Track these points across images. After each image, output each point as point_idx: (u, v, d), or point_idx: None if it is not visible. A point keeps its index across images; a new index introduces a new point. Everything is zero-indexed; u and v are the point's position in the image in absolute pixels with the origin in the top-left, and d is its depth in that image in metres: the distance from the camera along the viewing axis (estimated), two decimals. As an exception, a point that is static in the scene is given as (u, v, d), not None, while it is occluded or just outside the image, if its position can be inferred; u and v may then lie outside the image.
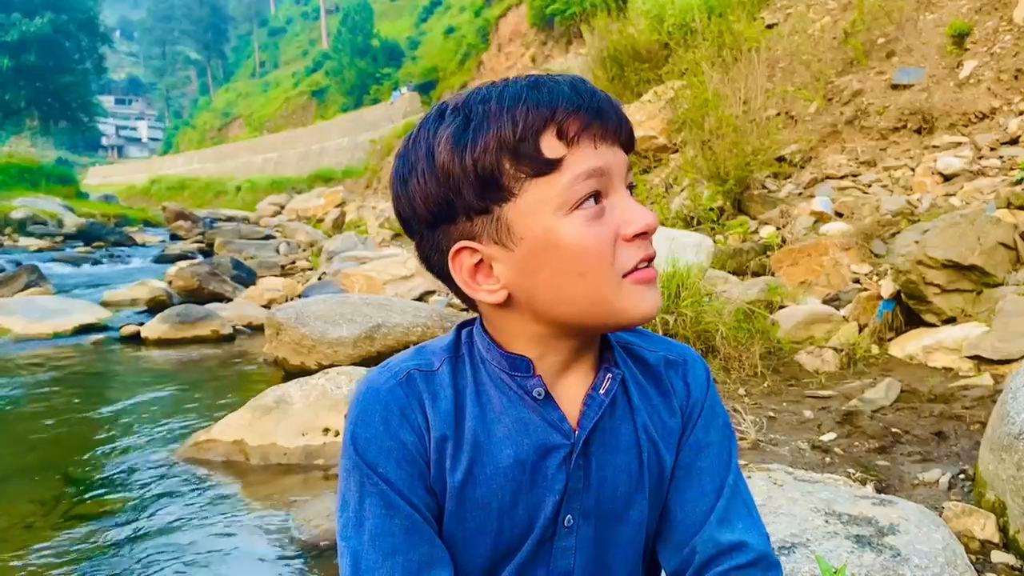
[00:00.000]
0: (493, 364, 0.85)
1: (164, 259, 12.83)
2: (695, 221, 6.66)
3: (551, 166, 0.75)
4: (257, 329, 6.23)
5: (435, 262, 0.83)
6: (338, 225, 16.18)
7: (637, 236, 0.77)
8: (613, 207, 0.78)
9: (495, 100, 0.76)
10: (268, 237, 15.66)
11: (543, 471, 0.83)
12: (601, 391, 0.86)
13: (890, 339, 3.98)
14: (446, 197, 0.77)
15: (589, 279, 0.77)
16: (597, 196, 0.77)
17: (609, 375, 0.86)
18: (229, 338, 6.10)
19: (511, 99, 0.76)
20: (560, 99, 0.75)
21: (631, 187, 0.81)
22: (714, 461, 0.90)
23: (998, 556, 1.89)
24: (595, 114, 0.76)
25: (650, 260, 0.79)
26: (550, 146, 0.75)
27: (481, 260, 0.80)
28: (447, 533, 0.84)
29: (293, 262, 11.19)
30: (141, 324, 6.22)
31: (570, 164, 0.75)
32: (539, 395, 0.84)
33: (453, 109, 0.78)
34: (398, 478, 0.82)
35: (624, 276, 0.78)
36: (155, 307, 7.24)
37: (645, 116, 9.18)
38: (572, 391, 0.86)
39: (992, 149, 6.14)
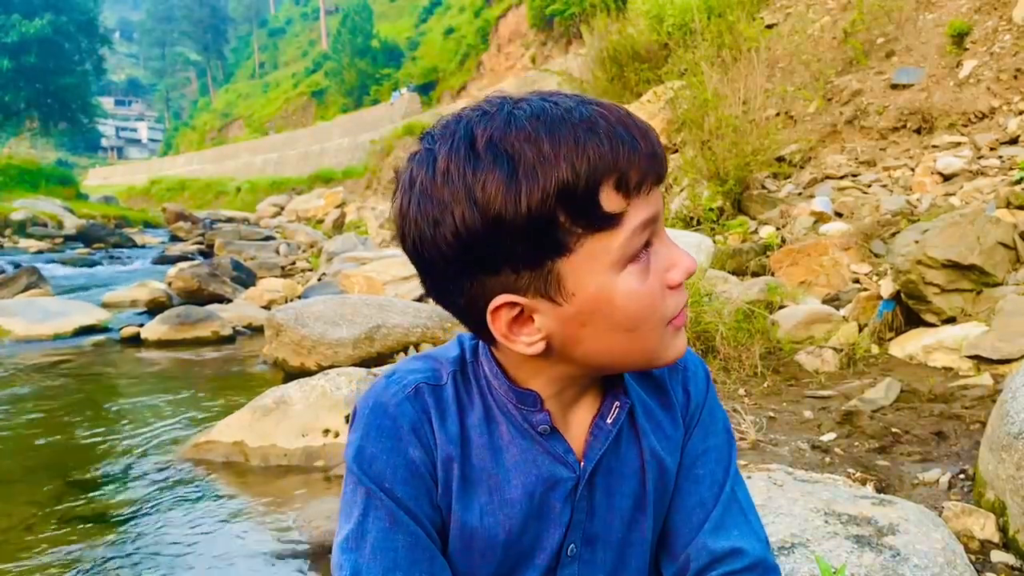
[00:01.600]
0: (500, 392, 0.82)
1: (164, 260, 12.83)
2: (695, 221, 6.66)
3: (610, 221, 0.69)
4: (257, 330, 6.23)
5: (461, 307, 0.77)
6: (338, 226, 16.19)
7: (678, 283, 0.76)
8: (657, 253, 0.74)
9: (547, 142, 0.68)
10: (268, 238, 15.66)
11: (549, 504, 0.82)
12: (608, 420, 0.84)
13: (890, 339, 3.98)
14: (492, 247, 0.69)
15: (640, 334, 0.75)
16: (647, 244, 0.73)
17: (617, 403, 0.84)
18: (229, 339, 6.10)
19: (565, 141, 0.68)
20: (621, 145, 0.68)
21: None
22: (712, 468, 0.89)
23: (998, 556, 1.89)
24: (651, 159, 0.71)
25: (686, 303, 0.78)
26: (610, 199, 0.69)
27: (522, 311, 0.74)
28: (450, 557, 0.83)
29: (293, 263, 11.20)
30: (141, 325, 6.22)
31: (630, 218, 0.70)
32: (544, 431, 0.82)
33: (489, 144, 0.69)
34: (405, 494, 0.80)
35: (668, 323, 0.76)
36: (155, 308, 7.24)
37: (644, 116, 9.17)
38: (578, 419, 0.84)
39: (992, 149, 6.14)
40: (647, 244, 0.73)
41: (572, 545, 0.83)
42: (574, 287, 0.72)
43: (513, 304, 0.73)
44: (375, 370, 3.78)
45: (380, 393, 0.83)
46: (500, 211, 0.67)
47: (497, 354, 0.83)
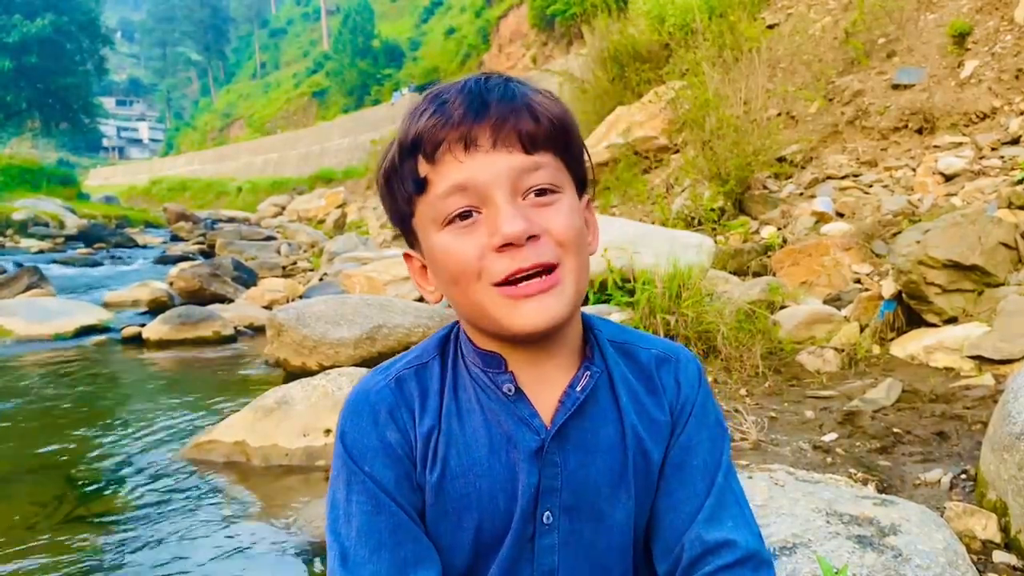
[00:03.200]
0: (470, 360, 0.87)
1: (165, 260, 12.85)
2: (696, 221, 6.67)
3: (421, 186, 0.78)
4: (258, 330, 6.23)
5: None
6: (339, 226, 16.20)
7: (507, 246, 0.76)
8: (486, 218, 0.77)
9: (412, 111, 0.80)
10: (269, 238, 15.68)
11: (515, 464, 0.84)
12: (578, 388, 0.86)
13: (891, 339, 3.98)
14: (387, 203, 0.86)
15: (461, 289, 0.80)
16: (470, 212, 0.77)
17: (587, 372, 0.87)
18: (230, 339, 6.10)
19: (416, 111, 0.80)
20: (435, 116, 0.76)
21: (544, 191, 0.78)
22: (705, 459, 0.90)
23: (1000, 556, 1.89)
24: (457, 125, 0.75)
25: (528, 270, 0.76)
26: (422, 164, 0.78)
27: (424, 264, 0.86)
28: (430, 529, 0.85)
29: (294, 263, 11.21)
30: (142, 325, 6.23)
31: (434, 183, 0.77)
32: (509, 391, 0.85)
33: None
34: (384, 477, 0.83)
35: (496, 286, 0.77)
36: (156, 308, 7.25)
37: (646, 116, 9.18)
38: (549, 388, 0.86)
39: (993, 149, 6.13)
40: (468, 211, 0.77)
41: (547, 512, 0.84)
42: (423, 243, 0.83)
43: (410, 256, 0.88)
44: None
45: (366, 382, 0.90)
46: (385, 169, 0.83)
47: (465, 324, 0.89)
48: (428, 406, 0.86)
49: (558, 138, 0.80)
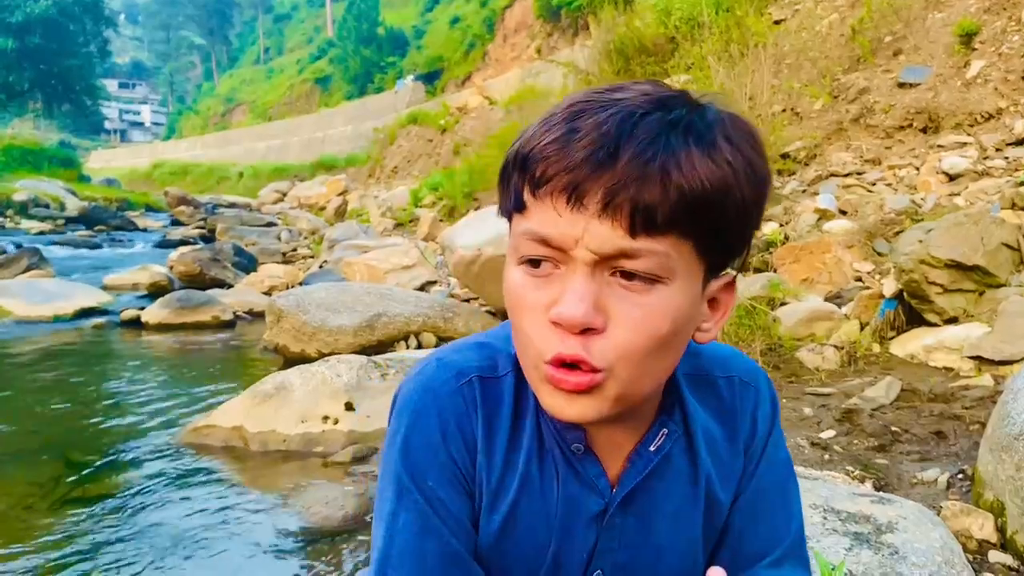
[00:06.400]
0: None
1: (166, 244, 12.84)
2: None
3: (519, 207, 0.66)
4: (258, 316, 6.23)
5: None
6: (340, 213, 16.16)
7: (555, 323, 0.64)
8: (560, 279, 0.65)
9: (546, 112, 0.68)
10: (270, 224, 15.64)
11: (573, 527, 0.76)
12: (652, 447, 0.76)
13: (891, 338, 3.98)
14: (500, 197, 0.72)
15: (520, 335, 0.69)
16: (538, 263, 0.66)
17: (664, 430, 0.77)
18: (230, 324, 6.11)
19: (543, 118, 0.67)
20: (551, 135, 0.64)
21: (632, 274, 0.63)
22: (774, 506, 0.83)
23: (996, 556, 1.89)
24: (571, 170, 0.62)
25: (568, 360, 0.64)
26: (525, 188, 0.66)
27: None
28: (483, 565, 0.77)
29: (295, 249, 11.20)
30: (142, 309, 6.23)
31: (528, 215, 0.65)
32: (578, 450, 0.75)
33: None
34: (445, 496, 0.74)
35: (544, 362, 0.66)
36: (156, 292, 7.25)
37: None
38: (619, 442, 0.77)
39: (998, 149, 6.12)
40: (539, 262, 0.66)
41: (599, 572, 0.78)
42: (508, 255, 0.71)
43: None
44: (377, 358, 3.78)
45: (431, 378, 0.77)
46: (506, 159, 0.69)
47: None
48: (496, 432, 0.75)
49: (690, 218, 0.62)
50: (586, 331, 0.64)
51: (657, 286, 0.64)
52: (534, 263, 0.66)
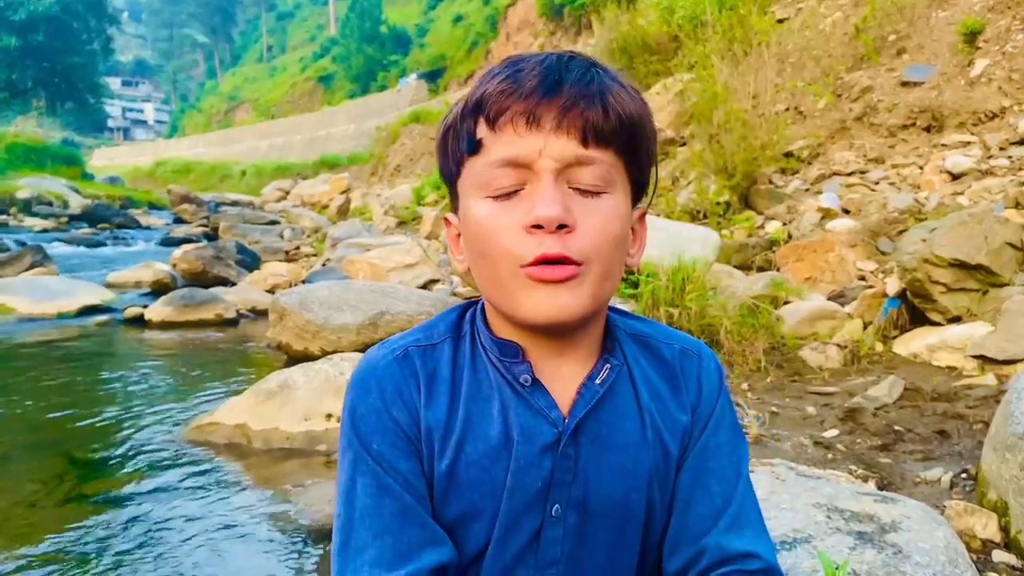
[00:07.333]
0: (487, 348, 0.85)
1: (169, 242, 12.85)
2: (701, 215, 6.65)
3: (475, 147, 0.77)
4: (261, 314, 6.24)
5: None
6: (343, 211, 16.16)
7: (537, 228, 0.74)
8: (527, 196, 0.75)
9: (483, 74, 0.80)
10: (273, 222, 15.64)
11: (529, 455, 0.81)
12: (597, 380, 0.84)
13: (895, 337, 3.98)
14: (441, 163, 0.85)
15: (489, 262, 0.78)
16: (517, 191, 0.76)
17: (608, 365, 0.85)
18: (233, 322, 6.11)
19: (489, 74, 0.79)
20: (508, 83, 0.75)
21: (586, 190, 0.76)
22: (723, 463, 0.88)
23: (999, 556, 1.89)
24: (525, 98, 0.74)
25: (551, 259, 0.74)
26: (481, 127, 0.77)
27: (460, 232, 0.84)
28: (440, 514, 0.82)
29: (297, 248, 11.20)
30: (145, 306, 6.23)
31: (488, 148, 0.76)
32: (526, 381, 0.82)
33: None
34: (391, 456, 0.81)
35: (523, 267, 0.75)
36: (159, 290, 7.26)
37: (653, 108, 8.97)
38: (568, 379, 0.84)
39: (1001, 149, 6.11)
40: (518, 187, 0.76)
41: (556, 505, 0.82)
42: (461, 209, 0.82)
43: (449, 221, 0.86)
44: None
45: (372, 356, 0.87)
46: (445, 124, 0.83)
47: (487, 308, 0.87)
48: (436, 390, 0.83)
49: (624, 137, 0.77)
50: (561, 229, 0.74)
51: (604, 196, 0.77)
52: (508, 194, 0.76)
